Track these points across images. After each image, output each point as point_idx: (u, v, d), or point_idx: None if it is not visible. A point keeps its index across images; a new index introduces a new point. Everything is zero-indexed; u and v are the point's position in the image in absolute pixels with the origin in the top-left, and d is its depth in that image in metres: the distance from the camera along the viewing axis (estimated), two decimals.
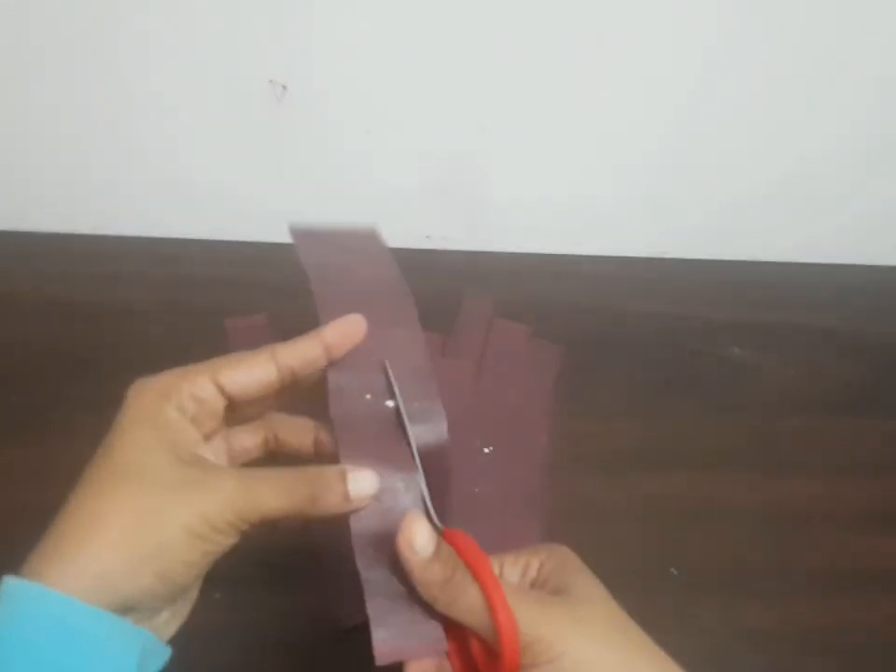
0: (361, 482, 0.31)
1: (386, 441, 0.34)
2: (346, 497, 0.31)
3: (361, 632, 0.43)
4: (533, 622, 0.29)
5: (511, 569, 0.33)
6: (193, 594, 0.32)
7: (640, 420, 0.55)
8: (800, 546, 0.51)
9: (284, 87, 0.59)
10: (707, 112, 0.62)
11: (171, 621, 0.32)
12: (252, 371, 0.32)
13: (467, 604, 0.30)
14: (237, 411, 0.34)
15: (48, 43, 0.57)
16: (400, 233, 0.68)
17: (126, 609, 0.29)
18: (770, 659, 0.45)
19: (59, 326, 0.60)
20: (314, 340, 0.34)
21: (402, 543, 0.30)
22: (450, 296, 0.64)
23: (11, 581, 0.28)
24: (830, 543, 0.51)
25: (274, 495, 0.30)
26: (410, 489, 0.33)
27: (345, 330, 0.34)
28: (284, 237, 0.67)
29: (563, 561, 0.32)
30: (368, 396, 0.35)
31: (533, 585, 0.32)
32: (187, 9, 0.55)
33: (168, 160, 0.64)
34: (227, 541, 0.30)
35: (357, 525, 0.32)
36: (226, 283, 0.65)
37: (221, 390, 0.32)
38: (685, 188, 0.67)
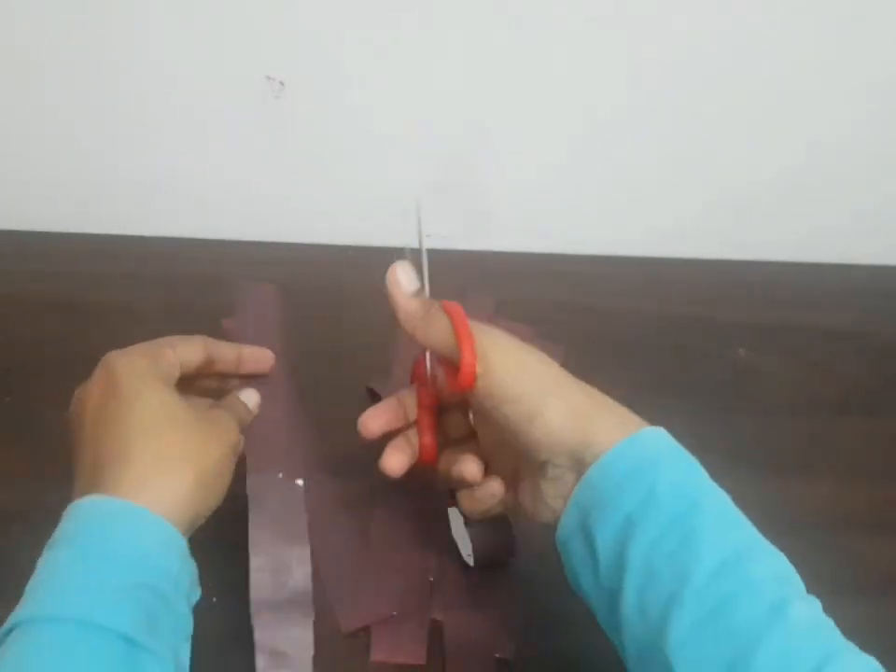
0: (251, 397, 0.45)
1: (288, 519, 0.43)
2: (248, 410, 0.44)
3: (360, 637, 0.44)
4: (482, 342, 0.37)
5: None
6: None
7: (646, 420, 0.55)
8: (805, 548, 0.51)
9: (281, 83, 0.59)
10: (709, 111, 0.62)
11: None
12: (195, 351, 0.43)
13: (438, 330, 0.39)
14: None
15: (47, 43, 0.57)
16: (400, 233, 0.69)
17: (191, 527, 0.37)
18: None
19: (58, 326, 0.60)
20: (234, 348, 0.46)
21: (390, 280, 0.41)
22: (450, 296, 0.64)
23: (112, 500, 0.34)
24: (837, 545, 0.51)
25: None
26: (301, 565, 0.42)
27: (258, 356, 0.47)
28: (282, 236, 0.68)
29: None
30: (280, 475, 0.44)
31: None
32: (183, 5, 0.55)
33: (166, 159, 0.64)
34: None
35: (256, 594, 0.41)
36: (226, 283, 0.65)
37: (179, 363, 0.42)
38: (687, 187, 0.67)
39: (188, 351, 0.42)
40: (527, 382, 0.37)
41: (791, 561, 0.51)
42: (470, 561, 0.45)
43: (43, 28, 0.57)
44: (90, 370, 0.58)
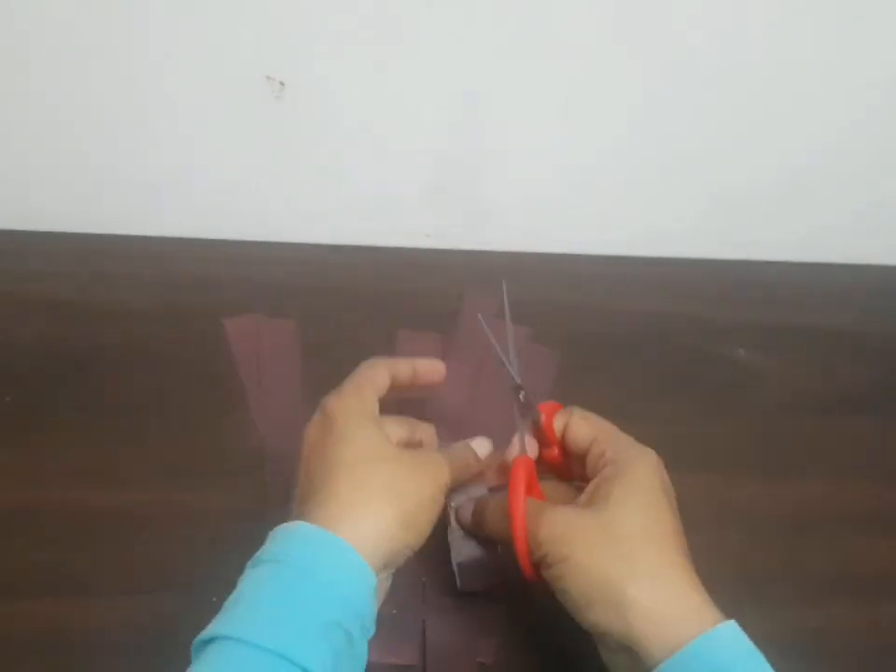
0: (481, 445, 0.45)
1: None
2: (476, 457, 0.44)
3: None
4: (543, 531, 0.37)
5: (596, 448, 0.41)
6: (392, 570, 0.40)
7: (642, 422, 0.55)
8: (805, 548, 0.51)
9: (281, 83, 0.59)
10: (709, 112, 0.62)
11: (379, 589, 0.38)
12: (384, 377, 0.44)
13: (494, 522, 0.41)
14: None
15: (47, 44, 0.57)
16: (400, 233, 0.69)
17: (386, 565, 0.37)
18: (772, 661, 0.45)
19: (58, 326, 0.60)
20: (408, 363, 0.46)
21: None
22: (450, 296, 0.64)
23: (316, 529, 0.36)
24: (836, 545, 0.51)
25: (453, 469, 0.42)
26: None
27: (431, 368, 0.47)
28: (282, 236, 0.68)
29: (625, 470, 0.39)
30: None
31: (577, 449, 0.42)
32: (184, 5, 0.55)
33: (166, 159, 0.64)
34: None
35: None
36: (225, 283, 0.65)
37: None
38: (687, 187, 0.67)
39: (382, 379, 0.43)
40: (579, 578, 0.36)
41: (789, 559, 0.51)
42: (458, 583, 0.45)
43: (43, 28, 0.56)
44: (88, 370, 0.59)
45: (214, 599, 0.40)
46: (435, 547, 0.47)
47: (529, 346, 0.61)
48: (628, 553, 0.36)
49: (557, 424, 0.42)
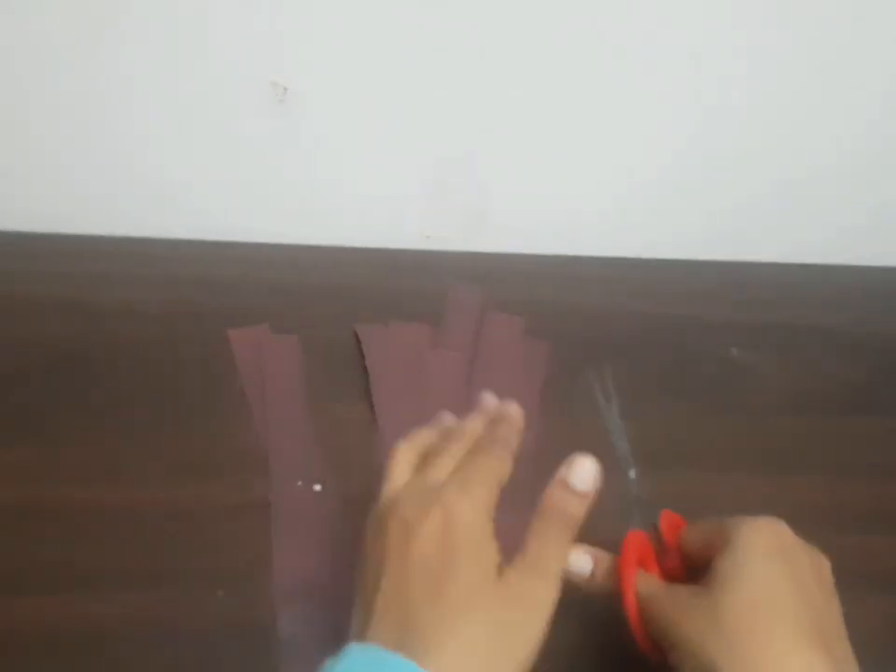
0: (577, 560, 0.39)
1: (309, 525, 0.45)
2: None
3: None
4: (654, 612, 0.35)
5: (695, 535, 0.39)
6: None
7: (638, 422, 0.55)
8: None
9: (285, 88, 0.59)
10: (706, 114, 0.62)
11: None
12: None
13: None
14: None
15: (47, 44, 0.57)
16: (400, 233, 0.69)
17: None
18: None
19: (57, 326, 0.60)
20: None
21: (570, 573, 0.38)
22: (448, 298, 0.64)
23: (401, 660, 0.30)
24: (830, 544, 0.51)
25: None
26: (322, 569, 0.44)
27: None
28: (283, 237, 0.68)
29: (732, 542, 0.36)
30: (299, 482, 0.46)
31: (697, 557, 0.37)
32: (187, 8, 0.55)
33: (168, 160, 0.64)
34: None
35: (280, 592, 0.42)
36: (225, 284, 0.65)
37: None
38: (684, 188, 0.67)
39: (507, 473, 0.37)
40: (688, 663, 0.33)
41: None
42: None
43: (46, 29, 0.56)
44: (87, 370, 0.58)
45: (220, 593, 0.41)
46: None
47: (522, 340, 0.62)
48: (730, 635, 0.32)
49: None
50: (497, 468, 0.36)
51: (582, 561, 0.38)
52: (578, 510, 0.36)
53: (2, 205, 0.66)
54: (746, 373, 0.62)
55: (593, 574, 0.38)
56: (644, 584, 0.37)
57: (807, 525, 0.52)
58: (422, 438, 0.40)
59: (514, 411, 0.40)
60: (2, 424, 0.53)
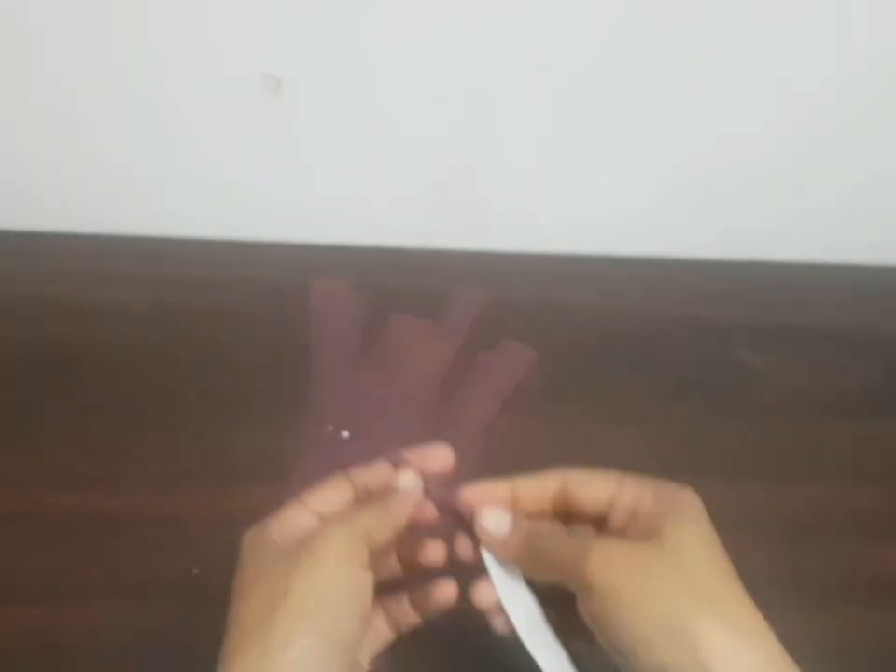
0: (405, 479, 0.36)
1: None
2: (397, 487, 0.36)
3: None
4: (594, 560, 0.32)
5: (628, 494, 0.35)
6: None
7: (647, 424, 0.55)
8: (811, 552, 0.51)
9: (279, 81, 0.58)
10: (707, 114, 0.62)
11: None
12: (333, 489, 0.36)
13: (542, 569, 0.34)
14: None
15: (45, 42, 0.57)
16: (400, 233, 0.69)
17: None
18: None
19: (56, 326, 0.60)
20: (383, 463, 0.37)
21: (479, 532, 0.35)
22: (449, 296, 0.64)
23: None
24: (839, 547, 0.51)
25: (363, 514, 0.34)
26: None
27: (425, 457, 0.37)
28: (280, 236, 0.68)
29: (675, 503, 0.35)
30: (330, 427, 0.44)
31: (636, 518, 0.35)
32: (181, 3, 0.55)
33: (164, 158, 0.64)
34: (356, 572, 0.32)
35: None
36: (224, 283, 0.65)
37: (313, 511, 0.35)
38: (689, 187, 0.67)
39: (321, 494, 0.36)
40: (639, 612, 0.31)
41: (793, 562, 0.51)
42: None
43: (42, 27, 0.56)
44: (86, 371, 0.58)
45: (195, 571, 0.40)
46: None
47: (506, 345, 0.61)
48: (702, 587, 0.32)
49: (529, 494, 0.37)
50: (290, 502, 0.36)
51: (501, 519, 0.35)
52: (397, 503, 0.35)
53: (2, 205, 0.66)
54: (757, 375, 0.61)
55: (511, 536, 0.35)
56: (577, 539, 0.34)
57: (813, 527, 0.51)
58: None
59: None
60: None
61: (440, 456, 0.36)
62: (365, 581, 0.32)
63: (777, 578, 0.49)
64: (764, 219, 0.69)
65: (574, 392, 0.58)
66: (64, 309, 0.61)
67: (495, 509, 0.35)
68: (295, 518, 0.35)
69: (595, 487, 0.36)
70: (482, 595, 0.35)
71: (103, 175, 0.65)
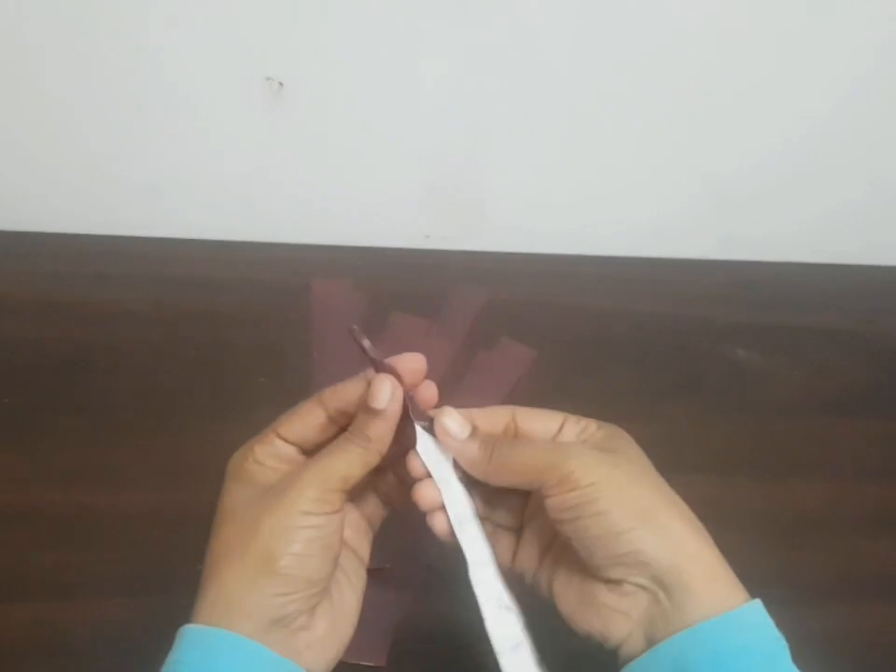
0: (380, 387, 0.35)
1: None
2: (372, 404, 0.35)
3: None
4: (573, 455, 0.34)
5: (572, 427, 0.38)
6: (345, 609, 0.36)
7: (643, 422, 0.54)
8: (805, 549, 0.51)
9: (280, 84, 0.59)
10: (708, 112, 0.62)
11: (328, 638, 0.34)
12: (303, 418, 0.37)
13: (509, 473, 0.35)
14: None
15: (48, 44, 0.57)
16: (400, 233, 0.69)
17: (277, 621, 0.32)
18: None
19: (56, 326, 0.60)
20: (358, 380, 0.36)
21: (439, 432, 0.36)
22: (450, 296, 0.64)
23: (195, 628, 0.33)
24: (836, 546, 0.51)
25: (336, 458, 0.35)
26: None
27: (404, 365, 0.36)
28: (281, 237, 0.68)
29: (616, 433, 0.38)
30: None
31: (584, 444, 0.37)
32: (183, 6, 0.55)
33: (164, 160, 0.64)
34: (325, 519, 0.33)
35: None
36: (225, 283, 0.65)
37: (285, 440, 0.36)
38: (686, 187, 0.67)
39: (293, 422, 0.37)
40: (619, 499, 0.33)
41: (789, 561, 0.51)
42: None
43: (45, 29, 0.56)
44: (86, 371, 0.58)
45: (199, 567, 0.40)
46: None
47: (505, 344, 0.61)
48: (665, 490, 0.35)
49: (483, 423, 0.38)
50: (268, 428, 0.37)
51: (462, 423, 0.36)
52: (377, 428, 0.35)
53: (2, 206, 0.66)
54: (751, 374, 0.62)
55: (471, 438, 0.36)
56: (549, 443, 0.36)
57: (813, 528, 0.52)
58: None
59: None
60: None
61: (413, 361, 0.36)
62: (335, 524, 0.34)
63: (774, 575, 0.49)
64: (763, 220, 0.69)
65: (573, 391, 0.58)
66: (66, 309, 0.61)
67: (457, 412, 0.36)
68: (273, 448, 0.36)
69: (543, 418, 0.38)
70: (423, 493, 0.36)
71: (105, 177, 0.65)
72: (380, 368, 0.35)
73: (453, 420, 0.36)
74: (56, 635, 0.44)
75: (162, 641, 0.42)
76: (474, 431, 0.36)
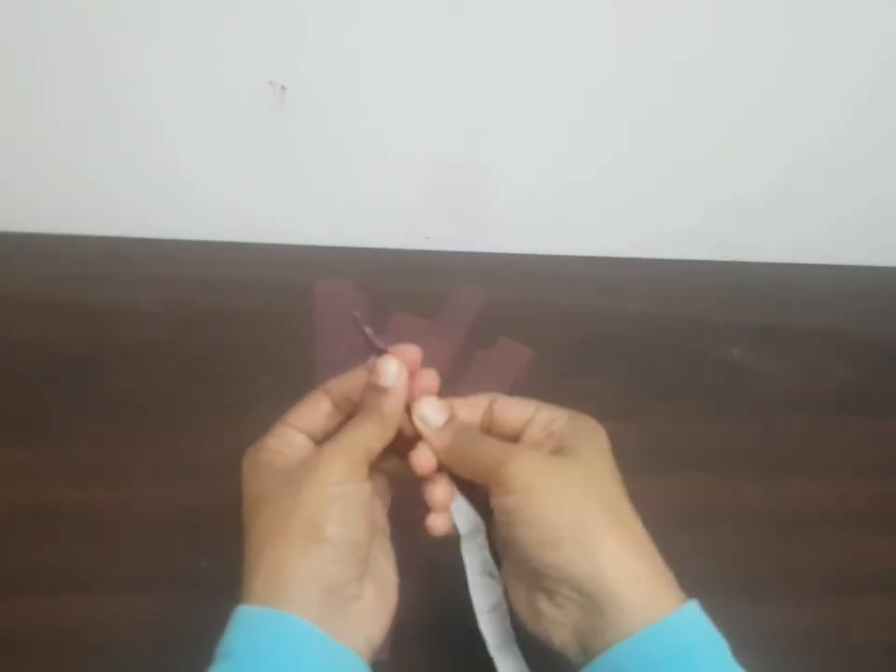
0: (386, 366, 0.37)
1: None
2: (381, 382, 0.36)
3: None
4: (514, 460, 0.35)
5: (542, 417, 0.38)
6: (386, 577, 0.37)
7: (639, 422, 0.55)
8: (801, 547, 0.51)
9: (283, 87, 0.59)
10: (706, 114, 0.62)
11: (378, 605, 0.35)
12: (311, 406, 0.38)
13: (466, 465, 0.36)
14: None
15: (49, 46, 0.57)
16: (400, 234, 0.69)
17: (331, 591, 0.33)
18: (772, 660, 0.45)
19: (58, 326, 0.60)
20: (360, 369, 0.38)
21: (414, 418, 0.37)
22: (449, 296, 0.64)
23: (251, 609, 0.33)
24: (831, 544, 0.51)
25: (358, 431, 0.36)
26: None
27: (401, 354, 0.38)
28: (282, 238, 0.68)
29: (583, 428, 0.38)
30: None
31: (550, 436, 0.38)
32: (185, 10, 0.55)
33: (167, 161, 0.64)
34: (357, 486, 0.35)
35: None
36: (225, 284, 0.65)
37: (297, 428, 0.38)
38: (684, 188, 0.67)
39: (301, 410, 0.38)
40: (550, 510, 0.34)
41: (787, 560, 0.51)
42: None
43: (45, 32, 0.56)
44: (89, 371, 0.58)
45: (203, 563, 0.40)
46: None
47: (504, 343, 0.62)
48: (606, 499, 0.35)
49: (462, 411, 0.39)
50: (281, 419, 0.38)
51: (439, 410, 0.38)
52: (389, 404, 0.36)
53: (3, 207, 0.67)
54: (746, 374, 0.62)
55: (446, 426, 0.37)
56: (497, 442, 0.37)
57: (808, 526, 0.52)
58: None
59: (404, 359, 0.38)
60: (3, 424, 0.53)
61: (409, 351, 0.38)
62: (367, 491, 0.35)
63: (770, 572, 0.50)
64: (761, 225, 0.70)
65: (571, 391, 0.57)
66: (74, 310, 0.61)
67: (435, 400, 0.38)
68: (285, 438, 0.37)
69: (518, 406, 0.39)
70: (435, 493, 0.37)
71: (108, 179, 0.65)
72: (382, 354, 0.37)
73: (429, 407, 0.37)
74: (64, 626, 0.44)
75: (168, 637, 0.43)
76: (451, 420, 0.37)
